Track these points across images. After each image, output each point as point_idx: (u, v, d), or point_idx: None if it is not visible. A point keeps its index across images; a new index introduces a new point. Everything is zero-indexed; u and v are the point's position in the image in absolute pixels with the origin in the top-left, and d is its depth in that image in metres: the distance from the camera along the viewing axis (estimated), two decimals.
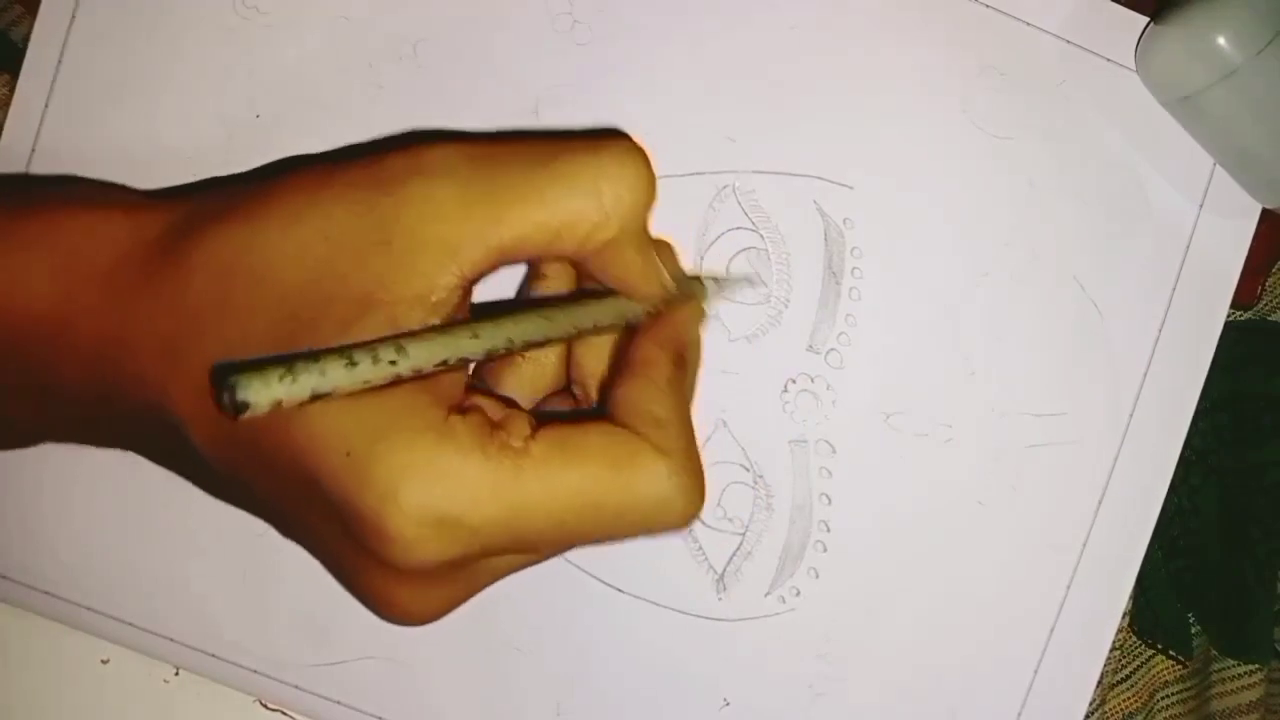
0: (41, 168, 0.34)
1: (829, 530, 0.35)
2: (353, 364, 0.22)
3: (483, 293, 0.26)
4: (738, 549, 0.35)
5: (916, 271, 0.35)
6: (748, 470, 0.35)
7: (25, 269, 0.26)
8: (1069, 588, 0.35)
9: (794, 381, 0.35)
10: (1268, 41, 0.31)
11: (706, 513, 0.35)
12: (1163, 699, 0.39)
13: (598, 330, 0.27)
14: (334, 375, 0.22)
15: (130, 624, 0.35)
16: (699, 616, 0.35)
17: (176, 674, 0.36)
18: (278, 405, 0.21)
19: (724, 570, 0.35)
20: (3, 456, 0.33)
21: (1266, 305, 0.38)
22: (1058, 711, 0.36)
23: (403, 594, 0.25)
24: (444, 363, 0.23)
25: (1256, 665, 0.39)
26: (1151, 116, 0.35)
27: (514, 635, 0.35)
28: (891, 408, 0.35)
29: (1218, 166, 0.35)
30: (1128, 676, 0.38)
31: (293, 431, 0.23)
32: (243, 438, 0.24)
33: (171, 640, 0.35)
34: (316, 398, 0.21)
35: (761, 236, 0.35)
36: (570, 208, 0.25)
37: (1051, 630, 0.35)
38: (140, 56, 0.34)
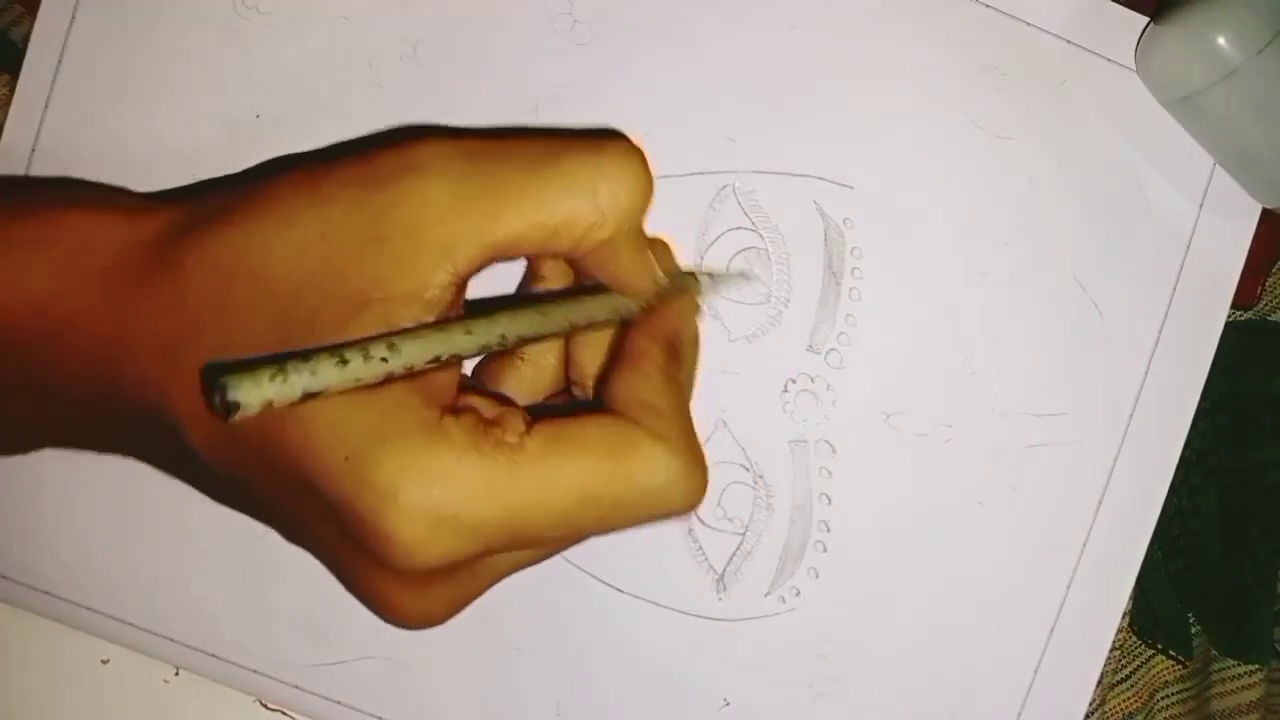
0: (41, 168, 0.34)
1: (829, 530, 0.35)
2: (344, 362, 0.22)
3: (480, 290, 0.26)
4: (738, 549, 0.35)
5: (916, 271, 0.35)
6: (748, 470, 0.35)
7: (25, 269, 0.26)
8: (1069, 588, 0.35)
9: (794, 381, 0.35)
10: (1268, 41, 0.31)
11: (706, 513, 0.35)
12: (1163, 699, 0.39)
13: (592, 326, 0.27)
14: (325, 374, 0.21)
15: (130, 624, 0.35)
16: (699, 616, 0.35)
17: (176, 674, 0.36)
18: (269, 405, 0.21)
19: (724, 570, 0.35)
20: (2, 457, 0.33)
21: (1266, 305, 0.38)
22: (1058, 711, 0.36)
23: (405, 597, 0.25)
24: (437, 359, 0.23)
25: (1256, 665, 0.39)
26: (1151, 116, 0.35)
27: (514, 635, 0.35)
28: (891, 408, 0.35)
29: (1218, 166, 0.35)
30: (1128, 676, 0.38)
31: (290, 434, 0.23)
32: (241, 440, 0.24)
33: (171, 640, 0.35)
34: (308, 397, 0.21)
35: (761, 236, 0.35)
36: (567, 207, 0.25)
37: (1051, 630, 0.35)
38: (140, 56, 0.34)
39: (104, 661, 0.36)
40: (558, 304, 0.26)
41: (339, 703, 0.35)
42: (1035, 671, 0.35)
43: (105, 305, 0.26)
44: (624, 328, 0.29)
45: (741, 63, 0.34)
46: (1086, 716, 0.36)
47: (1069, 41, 0.35)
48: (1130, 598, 0.36)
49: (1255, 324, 0.38)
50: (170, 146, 0.34)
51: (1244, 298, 0.36)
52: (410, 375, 0.23)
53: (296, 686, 0.35)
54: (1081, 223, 0.35)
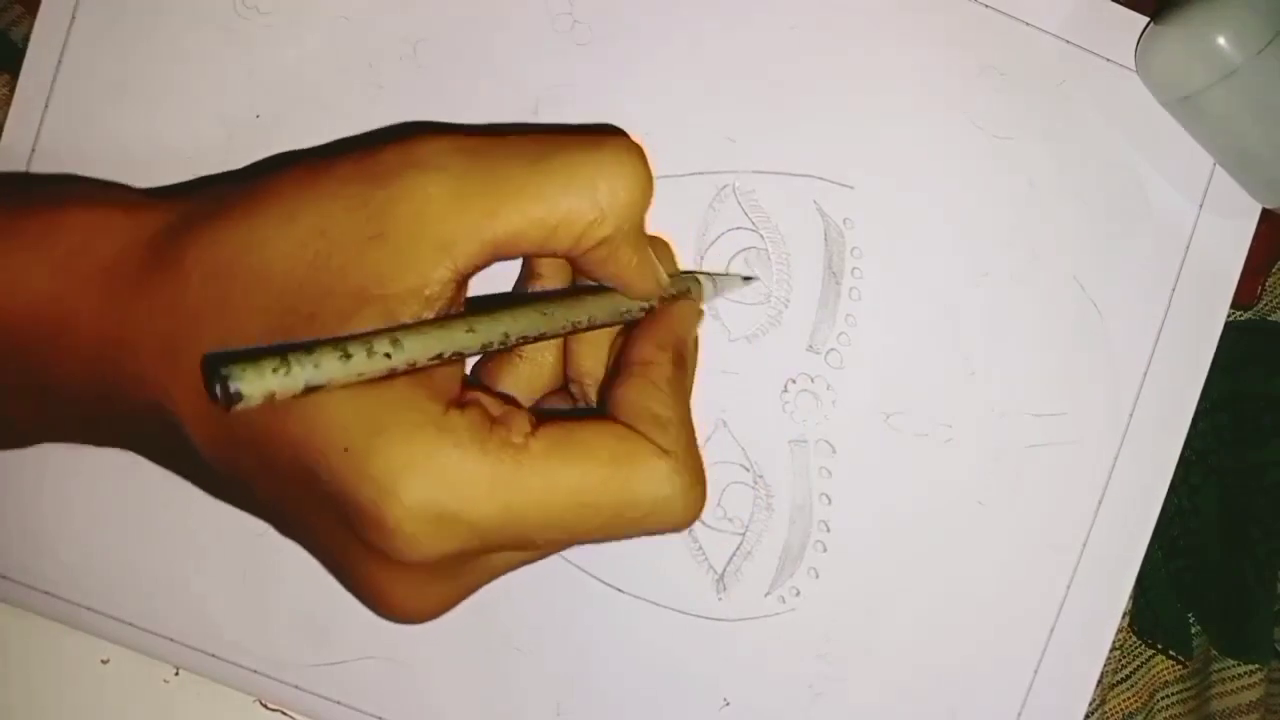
0: (41, 168, 0.34)
1: (829, 530, 0.35)
2: (347, 356, 0.22)
3: (481, 287, 0.26)
4: (738, 549, 0.35)
5: (916, 271, 0.35)
6: (748, 470, 0.35)
7: (25, 269, 0.26)
8: (1069, 588, 0.35)
9: (794, 381, 0.35)
10: (1268, 41, 0.31)
11: (706, 513, 0.35)
12: (1163, 699, 0.39)
13: (593, 326, 0.27)
14: (328, 367, 0.21)
15: (130, 624, 0.35)
16: (699, 616, 0.35)
17: (176, 674, 0.36)
18: (271, 397, 0.21)
19: (724, 570, 0.35)
20: (3, 456, 0.33)
21: (1266, 305, 0.38)
22: (1058, 711, 0.36)
23: (401, 590, 0.25)
24: (439, 356, 0.23)
25: (1256, 665, 0.39)
26: (1151, 116, 0.35)
27: (514, 635, 0.35)
28: (891, 408, 0.35)
29: (1218, 166, 0.35)
30: (1128, 676, 0.38)
31: (291, 427, 0.23)
32: (242, 436, 0.24)
33: (171, 640, 0.35)
34: (310, 390, 0.21)
35: (761, 236, 0.35)
36: (567, 205, 0.25)
37: (1051, 630, 0.35)
38: (140, 56, 0.34)
39: (104, 661, 0.36)
40: (559, 304, 0.26)
41: (339, 703, 0.35)
42: (1035, 671, 0.35)
43: (105, 305, 0.26)
44: (627, 332, 0.29)
45: (741, 63, 0.34)
46: (1086, 716, 0.36)
47: (1068, 41, 0.35)
48: (1130, 598, 0.36)
49: (1255, 324, 0.38)
50: (170, 146, 0.34)
51: (1244, 298, 0.36)
52: (412, 371, 0.23)
53: (296, 686, 0.35)
54: (1081, 223, 0.35)
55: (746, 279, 0.34)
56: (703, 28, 0.34)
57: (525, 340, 0.25)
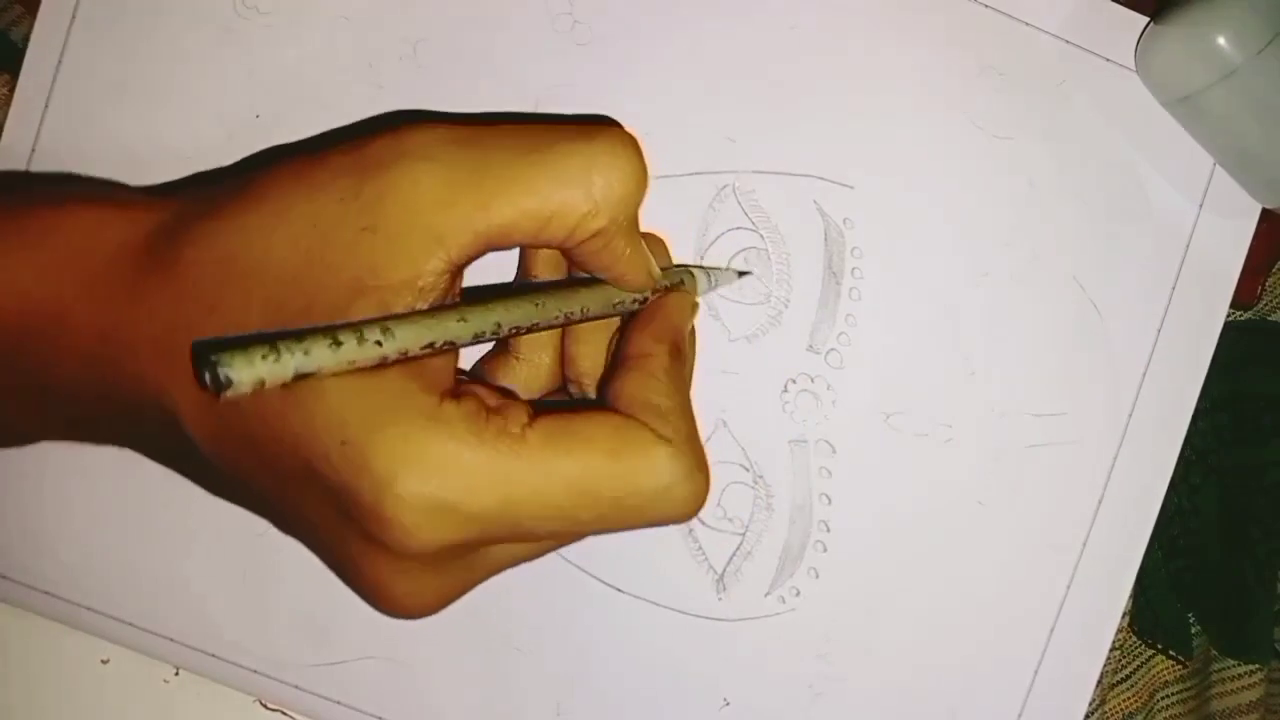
0: (41, 168, 0.34)
1: (829, 530, 0.35)
2: (337, 344, 0.22)
3: (481, 278, 0.26)
4: (738, 549, 0.35)
5: (916, 271, 0.35)
6: (748, 470, 0.35)
7: (21, 270, 0.26)
8: (1069, 588, 0.35)
9: (794, 381, 0.35)
10: (1268, 41, 0.31)
11: (706, 513, 0.35)
12: (1163, 699, 0.39)
13: (587, 318, 0.27)
14: (319, 355, 0.21)
15: (130, 624, 0.35)
16: (699, 616, 0.35)
17: (176, 674, 0.36)
18: (261, 384, 0.21)
19: (724, 570, 0.35)
20: (3, 456, 0.33)
21: (1266, 305, 0.38)
22: (1058, 711, 0.36)
23: (400, 584, 0.25)
24: (431, 345, 0.23)
25: (1256, 665, 0.39)
26: (1151, 116, 0.35)
27: (514, 635, 0.35)
28: (891, 408, 0.35)
29: (1218, 166, 0.35)
30: (1128, 676, 0.38)
31: (289, 422, 0.23)
32: (240, 431, 0.24)
33: (171, 640, 0.35)
34: (300, 377, 0.21)
35: (761, 236, 0.35)
36: (560, 197, 0.25)
37: (1051, 630, 0.35)
38: (140, 56, 0.34)
39: (104, 661, 0.36)
40: (553, 294, 0.26)
41: (339, 703, 0.35)
42: (1035, 671, 0.35)
43: (102, 304, 0.26)
44: (624, 327, 0.29)
45: (741, 63, 0.34)
46: (1086, 716, 0.36)
47: (1068, 41, 0.35)
48: (1130, 598, 0.36)
49: (1255, 324, 0.38)
50: (170, 146, 0.34)
51: (1244, 297, 0.36)
52: (404, 361, 0.23)
53: (296, 686, 0.35)
54: (1081, 223, 0.35)
55: (741, 273, 0.34)
56: (703, 28, 0.34)
57: (518, 331, 0.25)
